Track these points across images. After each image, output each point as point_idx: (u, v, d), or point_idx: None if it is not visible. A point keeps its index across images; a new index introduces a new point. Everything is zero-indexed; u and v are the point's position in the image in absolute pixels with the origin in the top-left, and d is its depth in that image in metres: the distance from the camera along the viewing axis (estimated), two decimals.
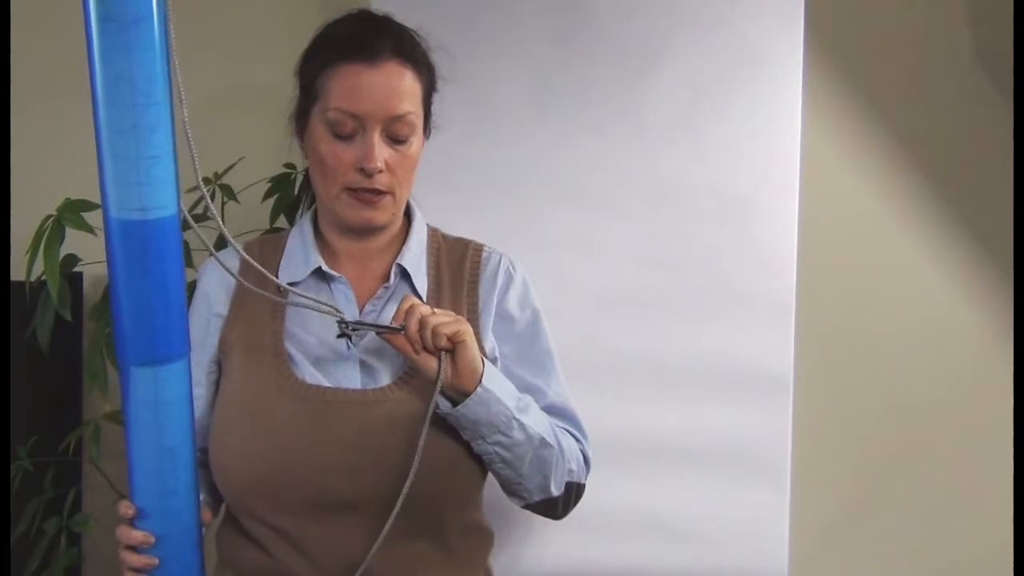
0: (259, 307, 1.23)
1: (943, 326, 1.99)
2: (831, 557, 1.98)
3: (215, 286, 1.27)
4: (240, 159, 1.76)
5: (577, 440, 1.29)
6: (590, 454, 1.30)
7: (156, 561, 1.09)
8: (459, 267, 1.28)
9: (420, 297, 1.24)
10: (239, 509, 1.19)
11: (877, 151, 1.97)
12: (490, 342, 1.25)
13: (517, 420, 1.15)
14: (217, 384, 1.25)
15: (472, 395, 1.12)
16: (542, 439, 1.18)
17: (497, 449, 1.16)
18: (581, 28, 1.69)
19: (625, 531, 1.66)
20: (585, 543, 1.66)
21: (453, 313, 1.15)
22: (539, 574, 1.65)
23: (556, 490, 1.23)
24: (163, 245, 1.02)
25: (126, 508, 1.10)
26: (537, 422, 1.19)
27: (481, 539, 1.29)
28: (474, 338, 1.14)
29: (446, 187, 1.61)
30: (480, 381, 1.13)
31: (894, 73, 1.97)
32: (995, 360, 1.98)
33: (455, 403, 1.13)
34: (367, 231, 1.24)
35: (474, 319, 1.25)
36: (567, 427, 1.29)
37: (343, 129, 1.17)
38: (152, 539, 1.09)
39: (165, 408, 1.06)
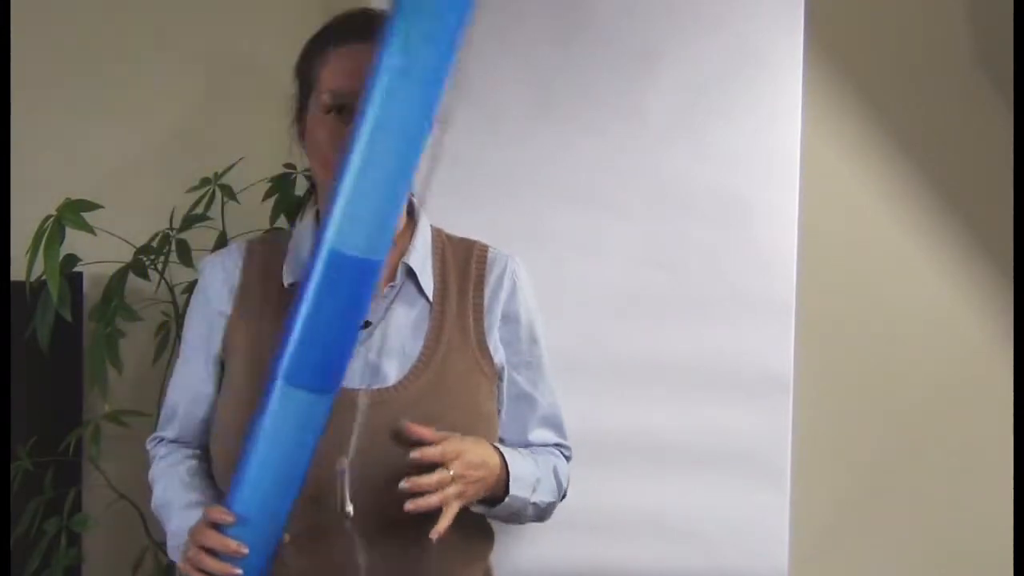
0: (263, 306, 1.23)
1: (943, 326, 1.99)
2: (831, 557, 1.98)
3: (218, 284, 1.26)
4: (240, 159, 1.76)
5: (566, 457, 1.33)
6: (571, 456, 1.35)
7: (239, 572, 1.07)
8: (465, 267, 1.28)
9: (426, 297, 1.24)
10: None
11: (877, 151, 1.97)
12: (494, 343, 1.26)
13: (532, 504, 1.22)
14: (220, 383, 1.25)
15: (501, 504, 1.18)
16: (548, 503, 1.25)
17: (508, 518, 1.23)
18: (581, 29, 1.69)
19: (625, 531, 1.66)
20: (585, 543, 1.66)
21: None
22: (539, 574, 1.65)
23: (544, 521, 1.30)
24: (363, 286, 1.06)
25: (222, 515, 1.07)
26: (546, 491, 1.25)
27: (482, 538, 1.29)
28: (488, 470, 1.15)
29: (446, 187, 1.59)
30: (508, 490, 1.18)
31: (894, 73, 1.97)
32: (995, 360, 1.98)
33: (486, 503, 1.19)
34: None
35: (479, 319, 1.25)
36: (558, 441, 1.32)
37: (337, 109, 1.18)
38: (245, 550, 1.07)
39: (302, 434, 1.07)
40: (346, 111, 1.18)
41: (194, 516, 1.15)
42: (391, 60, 1.00)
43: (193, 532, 1.10)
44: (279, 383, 1.06)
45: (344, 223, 1.03)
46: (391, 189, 1.05)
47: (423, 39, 1.01)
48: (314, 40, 1.24)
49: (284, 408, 1.06)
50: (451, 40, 1.02)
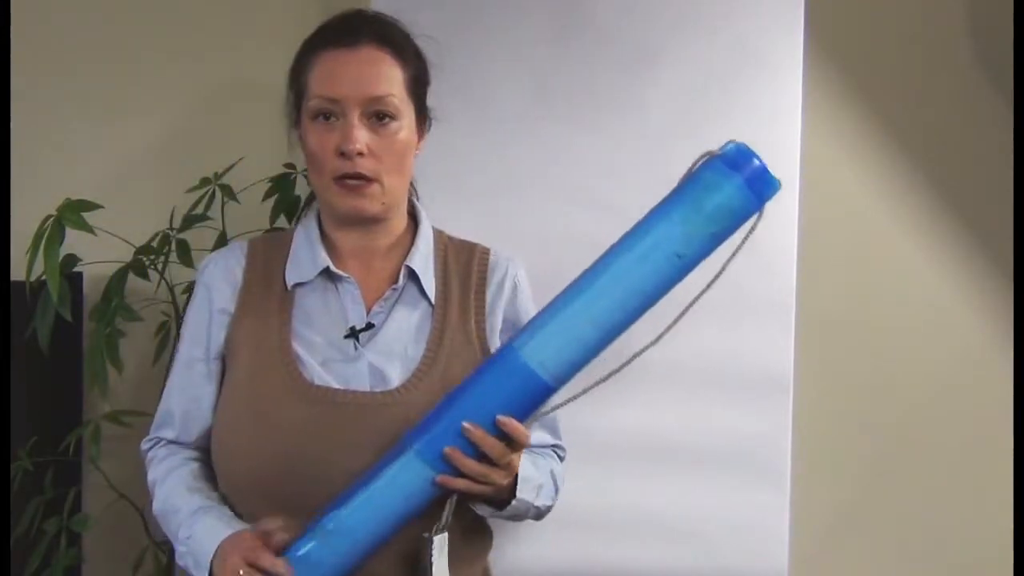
0: (266, 306, 1.23)
1: (943, 326, 1.98)
2: (831, 557, 1.98)
3: (220, 282, 1.26)
4: (240, 159, 1.76)
5: (560, 457, 1.34)
6: (565, 456, 1.36)
7: None
8: (466, 270, 1.28)
9: (428, 299, 1.24)
10: (243, 509, 1.19)
11: (877, 151, 1.97)
12: (495, 346, 1.26)
13: (535, 507, 1.23)
14: (222, 380, 1.25)
15: (507, 507, 1.19)
16: (547, 506, 1.26)
17: (508, 518, 1.24)
18: (581, 28, 1.69)
19: (625, 531, 1.66)
20: (585, 543, 1.66)
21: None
22: (539, 574, 1.65)
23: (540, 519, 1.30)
24: (526, 401, 1.10)
25: (279, 529, 1.08)
26: (546, 495, 1.25)
27: (481, 538, 1.30)
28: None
29: (445, 186, 1.61)
30: (515, 493, 1.18)
31: (894, 73, 1.97)
32: (995, 360, 1.98)
33: (493, 504, 1.19)
34: (360, 222, 1.24)
35: (480, 322, 1.25)
36: (555, 442, 1.34)
37: (324, 115, 1.18)
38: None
39: (406, 505, 1.09)
40: (332, 116, 1.18)
41: (201, 522, 1.15)
42: (671, 244, 1.06)
43: (243, 548, 1.09)
44: (410, 454, 1.08)
45: (544, 338, 1.07)
46: (600, 337, 1.09)
47: (709, 238, 1.07)
48: (304, 45, 1.24)
49: (404, 477, 1.08)
50: (726, 239, 1.09)
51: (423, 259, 1.26)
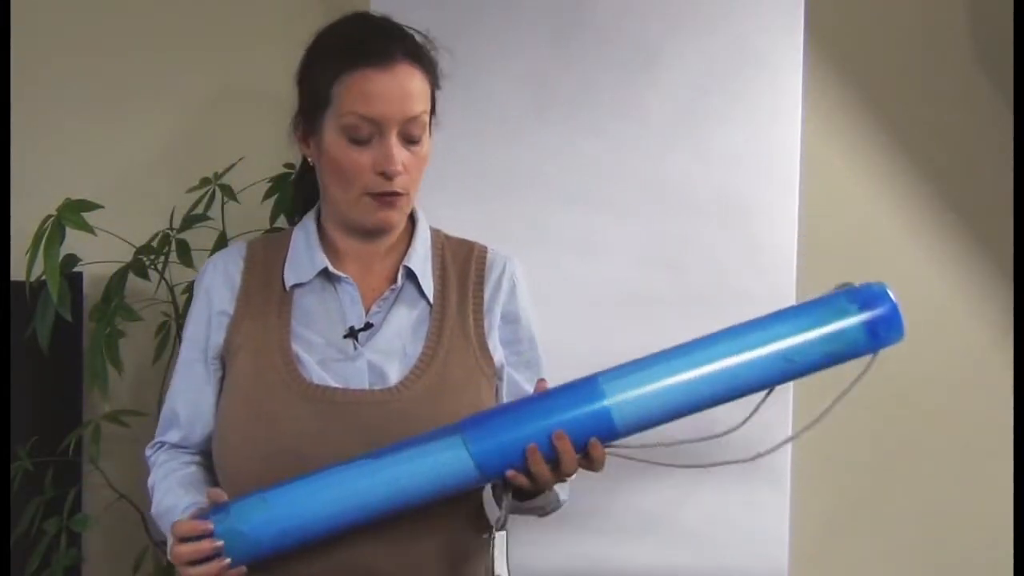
0: (265, 307, 1.23)
1: (943, 326, 1.98)
2: (831, 557, 1.98)
3: (219, 284, 1.26)
4: (240, 159, 1.76)
5: None
6: None
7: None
8: (464, 268, 1.28)
9: (427, 298, 1.24)
10: None
11: (877, 152, 1.97)
12: (495, 344, 1.26)
13: (559, 500, 1.24)
14: (221, 382, 1.25)
15: (539, 496, 1.17)
16: (564, 501, 1.27)
17: (527, 511, 1.23)
18: (581, 28, 1.69)
19: (626, 531, 1.66)
20: (585, 543, 1.66)
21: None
22: (539, 574, 1.65)
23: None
24: (583, 426, 1.09)
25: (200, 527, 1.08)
26: (566, 487, 1.25)
27: (484, 538, 1.29)
28: None
29: (446, 187, 1.61)
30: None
31: (894, 74, 1.97)
32: (995, 360, 1.98)
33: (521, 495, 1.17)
34: (381, 232, 1.24)
35: (479, 319, 1.25)
36: None
37: (360, 133, 1.17)
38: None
39: (433, 475, 1.08)
40: (367, 134, 1.17)
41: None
42: (786, 348, 1.09)
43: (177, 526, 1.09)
44: (457, 437, 1.07)
45: (632, 385, 1.09)
46: (684, 409, 1.12)
47: (822, 356, 1.10)
48: (330, 55, 1.20)
49: (443, 449, 1.08)
50: (838, 363, 1.11)
51: (421, 259, 1.26)
